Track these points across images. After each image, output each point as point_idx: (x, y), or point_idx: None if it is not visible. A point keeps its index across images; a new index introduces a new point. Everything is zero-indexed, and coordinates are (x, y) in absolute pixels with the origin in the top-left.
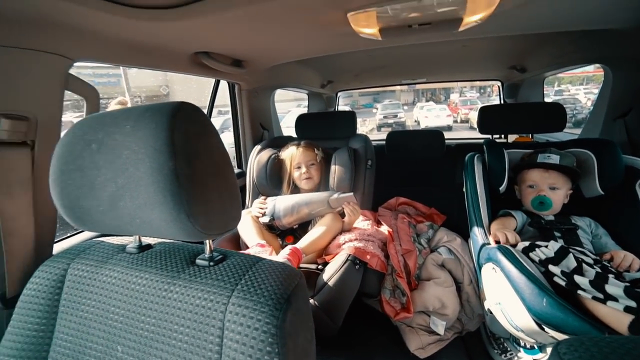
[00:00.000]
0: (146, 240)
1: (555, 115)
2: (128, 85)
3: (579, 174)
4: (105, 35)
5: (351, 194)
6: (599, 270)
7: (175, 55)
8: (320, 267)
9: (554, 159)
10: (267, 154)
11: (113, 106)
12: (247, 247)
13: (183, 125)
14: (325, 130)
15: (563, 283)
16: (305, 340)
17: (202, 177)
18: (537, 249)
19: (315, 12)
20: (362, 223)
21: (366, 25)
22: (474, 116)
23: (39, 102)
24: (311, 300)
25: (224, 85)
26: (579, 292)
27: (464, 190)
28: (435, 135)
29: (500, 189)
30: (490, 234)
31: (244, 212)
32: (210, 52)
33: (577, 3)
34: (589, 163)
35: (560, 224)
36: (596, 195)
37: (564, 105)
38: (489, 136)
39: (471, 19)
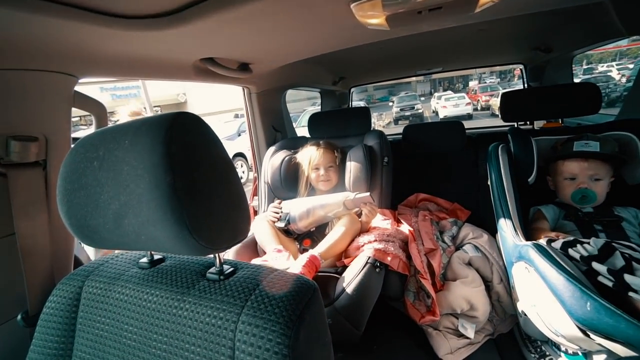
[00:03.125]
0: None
1: (588, 96)
2: (147, 96)
3: (624, 160)
4: (106, 50)
5: (368, 194)
6: None
7: (178, 63)
8: (339, 270)
9: (594, 145)
10: (280, 155)
11: (126, 118)
12: (265, 253)
13: (180, 137)
14: (338, 128)
15: (610, 284)
16: (320, 358)
17: (203, 189)
18: (578, 245)
19: (317, 6)
20: (382, 223)
21: (372, 15)
22: (495, 103)
23: (48, 121)
24: (332, 306)
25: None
26: (630, 294)
27: (489, 183)
28: (454, 126)
29: (529, 180)
30: (519, 228)
31: (259, 217)
32: (215, 57)
33: None
34: (632, 147)
35: (601, 215)
36: None
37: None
38: (514, 124)
39: None
